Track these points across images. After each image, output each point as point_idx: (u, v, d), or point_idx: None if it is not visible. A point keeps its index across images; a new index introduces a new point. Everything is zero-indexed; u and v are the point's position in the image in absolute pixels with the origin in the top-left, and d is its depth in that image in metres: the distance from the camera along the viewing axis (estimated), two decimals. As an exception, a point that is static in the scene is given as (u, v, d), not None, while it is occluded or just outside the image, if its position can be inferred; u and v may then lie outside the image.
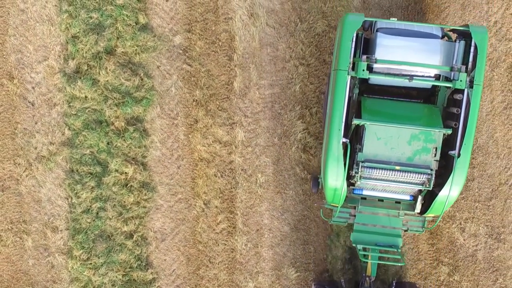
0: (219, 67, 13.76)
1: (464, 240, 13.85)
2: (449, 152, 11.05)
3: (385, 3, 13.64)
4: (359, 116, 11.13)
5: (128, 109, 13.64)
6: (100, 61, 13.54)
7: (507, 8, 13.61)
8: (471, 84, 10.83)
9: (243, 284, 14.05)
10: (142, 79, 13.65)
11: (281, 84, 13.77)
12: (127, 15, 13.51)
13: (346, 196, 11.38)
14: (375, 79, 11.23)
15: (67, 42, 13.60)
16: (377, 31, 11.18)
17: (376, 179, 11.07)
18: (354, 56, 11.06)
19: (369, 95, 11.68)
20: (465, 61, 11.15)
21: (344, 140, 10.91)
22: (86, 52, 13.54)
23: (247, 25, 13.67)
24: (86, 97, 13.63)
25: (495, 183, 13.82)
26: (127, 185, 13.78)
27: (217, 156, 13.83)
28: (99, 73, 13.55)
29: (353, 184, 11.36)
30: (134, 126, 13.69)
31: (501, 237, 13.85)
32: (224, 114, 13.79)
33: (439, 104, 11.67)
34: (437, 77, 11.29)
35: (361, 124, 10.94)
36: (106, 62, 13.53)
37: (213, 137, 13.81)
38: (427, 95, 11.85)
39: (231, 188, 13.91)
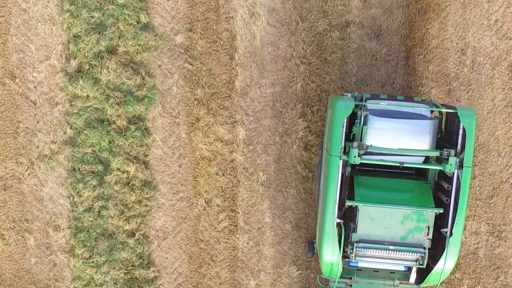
0: (220, 66, 13.79)
1: (466, 238, 13.88)
2: (441, 230, 11.30)
3: (386, 2, 13.66)
4: (352, 195, 11.38)
5: (130, 108, 13.68)
6: (102, 60, 13.57)
7: (508, 7, 13.62)
8: (460, 166, 10.99)
9: (245, 282, 14.09)
10: (143, 78, 13.68)
11: (282, 82, 13.80)
12: (128, 14, 13.54)
13: (342, 268, 11.61)
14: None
15: (68, 42, 13.64)
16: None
17: (370, 257, 11.32)
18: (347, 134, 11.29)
19: (362, 168, 11.88)
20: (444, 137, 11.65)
21: (338, 221, 11.17)
22: (87, 51, 13.57)
23: (248, 24, 13.69)
24: (87, 96, 13.67)
25: (496, 181, 13.84)
26: (129, 183, 13.82)
27: (219, 155, 13.87)
28: (100, 72, 13.58)
29: (348, 257, 11.59)
30: (136, 125, 13.73)
31: (502, 234, 13.88)
32: (225, 113, 13.83)
33: (430, 178, 11.93)
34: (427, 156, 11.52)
35: (354, 205, 11.15)
36: (107, 61, 13.57)
37: (214, 135, 13.84)
38: (418, 168, 12.06)
39: (233, 187, 13.95)
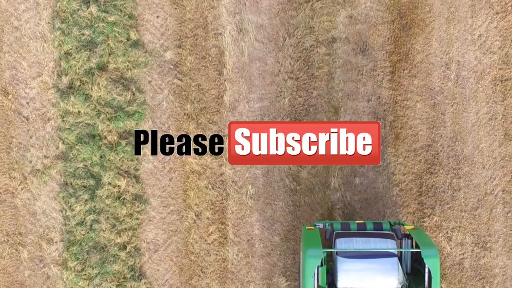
0: (209, 81, 13.99)
1: (451, 248, 14.07)
2: None
3: (372, 18, 13.87)
4: None
5: (121, 123, 13.88)
6: (93, 77, 13.78)
7: (491, 22, 13.84)
8: None
9: (235, 293, 14.31)
10: (134, 94, 13.88)
11: (270, 97, 14.00)
12: (118, 31, 13.75)
13: None
14: None
15: (60, 59, 13.85)
16: (337, 254, 11.87)
17: None
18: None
19: None
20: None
21: None
22: (78, 68, 13.78)
23: (237, 40, 13.91)
24: (79, 112, 13.87)
25: (481, 193, 14.03)
26: (120, 197, 14.01)
27: (208, 169, 14.06)
28: (91, 89, 13.79)
29: None
30: (127, 140, 13.92)
31: (487, 245, 14.06)
32: (214, 127, 14.02)
33: None
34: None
35: None
36: (98, 77, 13.78)
37: (204, 149, 14.04)
38: None
39: (222, 200, 14.14)
